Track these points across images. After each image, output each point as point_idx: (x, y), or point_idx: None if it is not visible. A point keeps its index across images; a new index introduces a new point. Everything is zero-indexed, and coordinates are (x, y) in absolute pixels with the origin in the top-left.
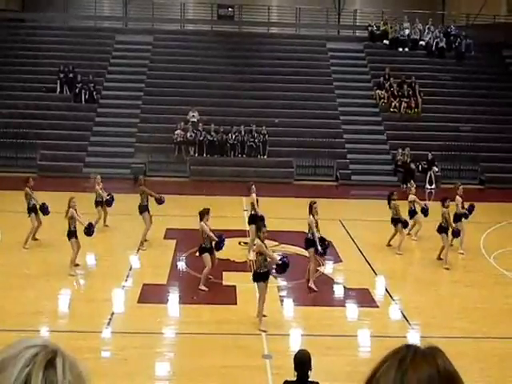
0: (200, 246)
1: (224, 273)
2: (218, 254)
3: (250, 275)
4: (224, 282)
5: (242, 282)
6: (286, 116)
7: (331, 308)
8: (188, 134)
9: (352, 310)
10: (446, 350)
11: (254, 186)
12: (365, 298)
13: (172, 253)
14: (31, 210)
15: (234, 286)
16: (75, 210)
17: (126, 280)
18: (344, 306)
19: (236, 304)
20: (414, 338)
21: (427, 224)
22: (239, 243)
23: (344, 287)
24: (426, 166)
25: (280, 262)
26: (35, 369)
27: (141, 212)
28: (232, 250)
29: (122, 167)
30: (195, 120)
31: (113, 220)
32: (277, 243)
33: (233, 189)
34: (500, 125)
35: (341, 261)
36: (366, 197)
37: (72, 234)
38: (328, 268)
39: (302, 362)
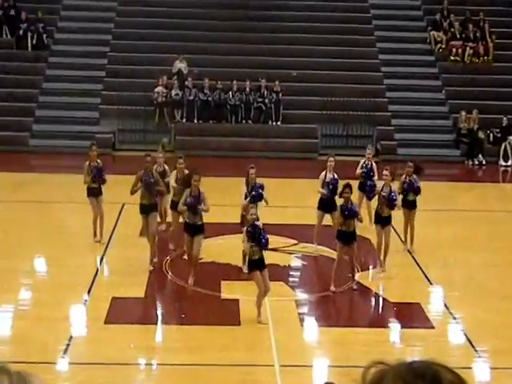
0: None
1: (223, 282)
2: (216, 257)
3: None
4: (223, 295)
5: (248, 295)
6: (306, 67)
7: (369, 330)
8: (173, 93)
9: (398, 332)
10: None
11: (253, 170)
12: (416, 315)
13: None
14: None
15: (237, 301)
16: None
17: (89, 292)
18: (387, 326)
19: (239, 324)
20: (481, 368)
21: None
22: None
23: (387, 301)
24: (499, 135)
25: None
26: None
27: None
28: (233, 251)
29: (82, 138)
30: (183, 73)
31: (73, 209)
32: (295, 241)
33: (234, 167)
34: None
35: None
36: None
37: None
38: (365, 275)
39: None
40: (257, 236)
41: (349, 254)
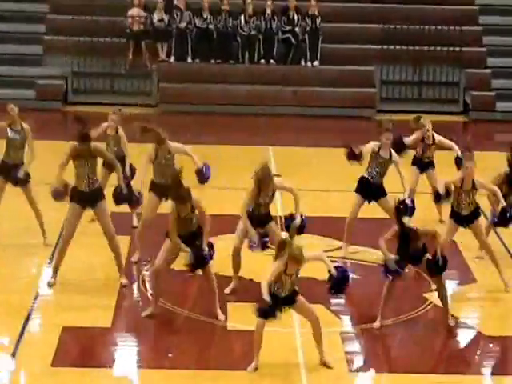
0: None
1: (230, 305)
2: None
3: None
4: (230, 324)
5: (267, 323)
6: None
7: (451, 378)
8: (155, 17)
9: (495, 380)
10: None
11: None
12: None
13: (123, 261)
14: None
15: (251, 333)
16: None
17: (29, 318)
18: (479, 373)
19: (256, 370)
20: None
21: None
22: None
23: (480, 334)
24: None
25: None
26: None
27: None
28: (248, 258)
29: (19, 85)
30: None
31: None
32: (341, 244)
33: (248, 129)
34: None
35: (474, 280)
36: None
37: None
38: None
39: None
40: None
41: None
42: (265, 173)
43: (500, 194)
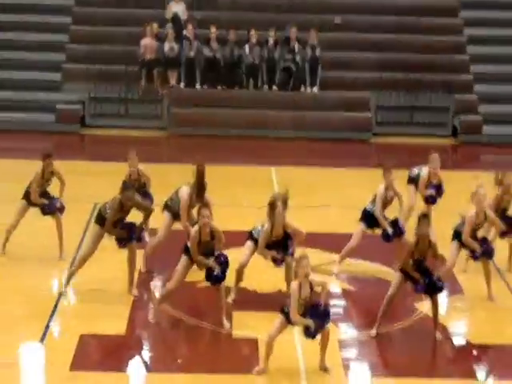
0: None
1: (236, 314)
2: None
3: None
4: (235, 333)
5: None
6: (354, 10)
7: (441, 381)
8: (166, 47)
9: None
10: None
11: (280, 207)
12: (508, 362)
13: (136, 274)
14: None
15: (255, 341)
16: None
17: (49, 327)
18: (467, 377)
19: (260, 373)
20: None
21: None
22: (267, 258)
23: (468, 343)
24: None
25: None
26: None
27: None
28: (253, 271)
29: (39, 110)
30: (180, 18)
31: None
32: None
33: (251, 152)
34: None
35: (461, 291)
36: None
37: None
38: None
39: None
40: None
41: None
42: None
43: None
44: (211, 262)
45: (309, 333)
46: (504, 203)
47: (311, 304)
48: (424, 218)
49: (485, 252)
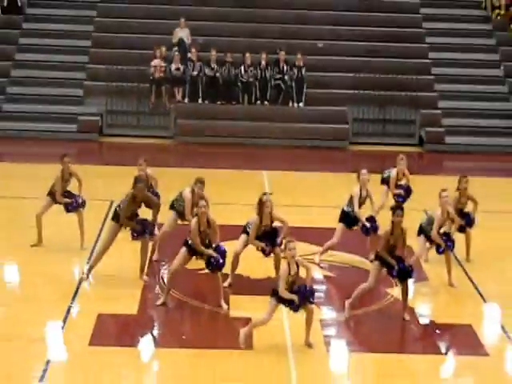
0: None
1: (232, 297)
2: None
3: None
4: (232, 313)
5: (263, 313)
6: (335, 36)
7: (410, 357)
8: (173, 67)
9: (444, 359)
10: None
11: (268, 201)
12: (466, 339)
13: (147, 263)
14: None
15: (249, 319)
16: None
17: (71, 307)
18: (431, 352)
19: (252, 348)
20: None
21: None
22: (258, 249)
23: (432, 322)
24: None
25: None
26: None
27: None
28: (244, 259)
29: (63, 121)
30: (185, 43)
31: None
32: (320, 249)
33: (246, 158)
34: None
35: (426, 278)
36: (472, 173)
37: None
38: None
39: None
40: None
41: (402, 287)
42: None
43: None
44: (211, 251)
45: (293, 306)
46: (461, 204)
47: (298, 284)
48: (398, 208)
49: (448, 246)
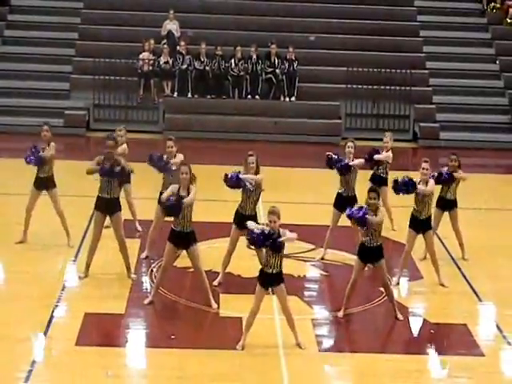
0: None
1: (223, 296)
2: (214, 265)
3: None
4: (222, 312)
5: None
6: (327, 29)
7: (403, 357)
8: (162, 60)
9: (439, 359)
10: None
11: (253, 158)
12: (461, 339)
13: (135, 259)
14: None
15: (239, 319)
16: None
17: (57, 305)
18: (425, 353)
19: (242, 349)
20: None
21: None
22: (248, 247)
23: (425, 321)
24: None
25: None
26: None
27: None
28: (236, 258)
29: (49, 115)
30: (174, 35)
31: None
32: (313, 246)
33: (236, 153)
34: None
35: (421, 277)
36: (467, 169)
37: None
38: (399, 288)
39: None
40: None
41: (383, 288)
42: None
43: None
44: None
45: (252, 238)
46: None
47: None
48: (371, 190)
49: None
